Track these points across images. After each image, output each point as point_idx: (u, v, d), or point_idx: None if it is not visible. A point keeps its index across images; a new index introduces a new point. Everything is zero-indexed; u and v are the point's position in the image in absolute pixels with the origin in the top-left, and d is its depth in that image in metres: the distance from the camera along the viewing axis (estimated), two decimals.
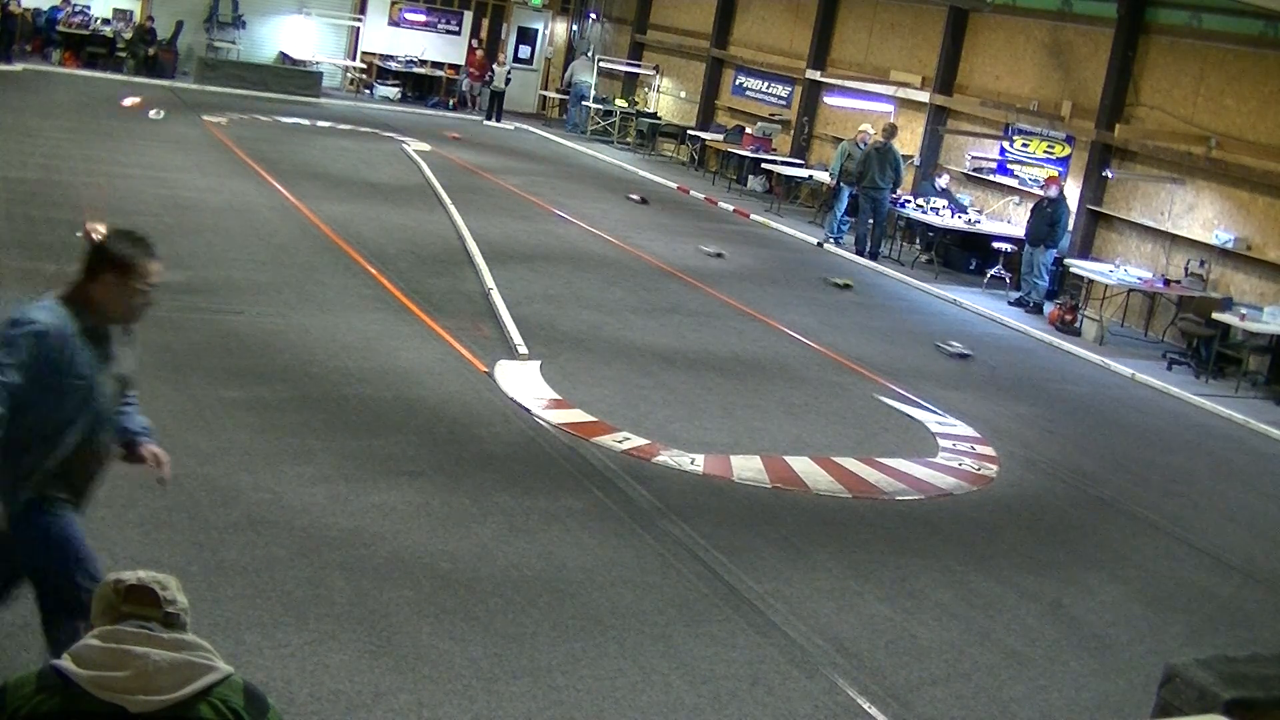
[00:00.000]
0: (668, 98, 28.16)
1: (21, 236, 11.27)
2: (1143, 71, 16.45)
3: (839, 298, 15.07)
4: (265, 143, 19.35)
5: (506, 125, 27.29)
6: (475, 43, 29.03)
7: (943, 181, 18.85)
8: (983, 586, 7.21)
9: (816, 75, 22.65)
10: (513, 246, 14.56)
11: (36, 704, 2.43)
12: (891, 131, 18.48)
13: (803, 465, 8.68)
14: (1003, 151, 18.64)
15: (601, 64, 28.46)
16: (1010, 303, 16.18)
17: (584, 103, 28.07)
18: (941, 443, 9.79)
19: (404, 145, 21.37)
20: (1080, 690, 6.15)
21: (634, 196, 19.59)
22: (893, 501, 8.36)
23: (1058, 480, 9.47)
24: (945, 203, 18.43)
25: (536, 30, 31.26)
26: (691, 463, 8.36)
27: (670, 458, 8.38)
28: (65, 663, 2.46)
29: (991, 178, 18.78)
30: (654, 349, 11.17)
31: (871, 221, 18.18)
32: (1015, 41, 18.81)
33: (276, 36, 28.06)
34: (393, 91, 28.61)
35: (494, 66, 28.03)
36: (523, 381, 9.50)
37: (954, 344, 12.99)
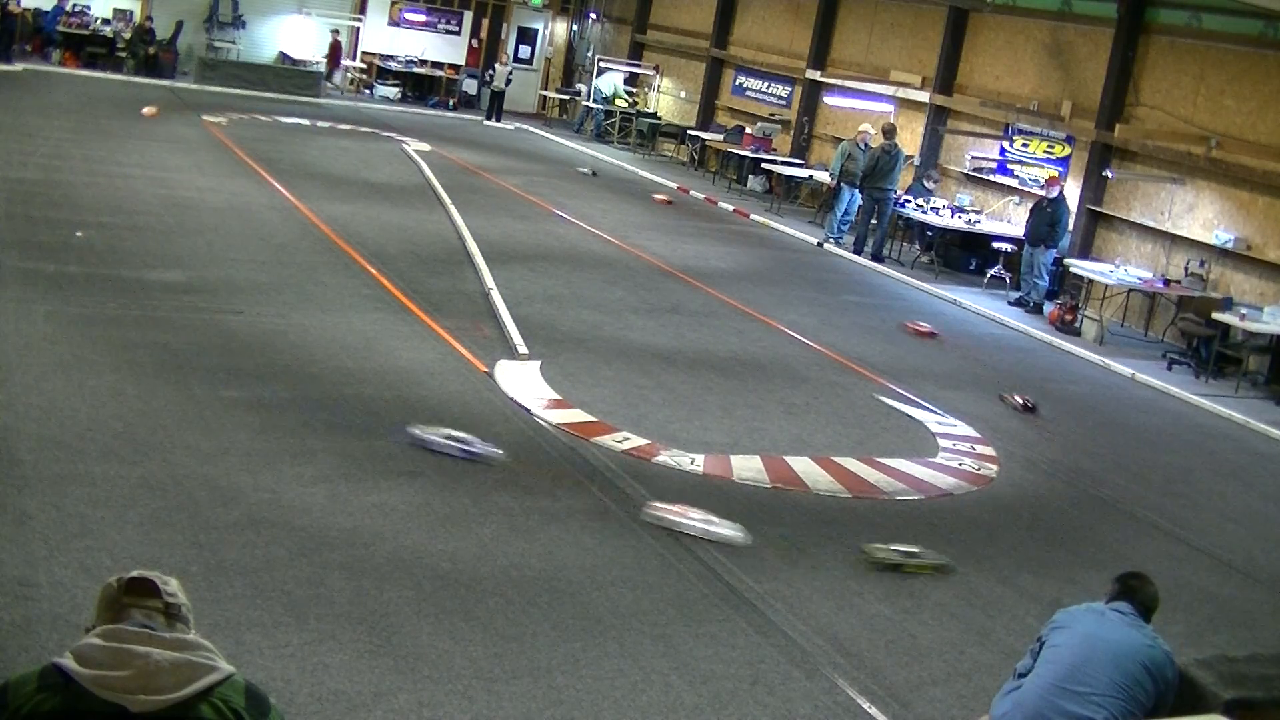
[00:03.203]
0: (668, 98, 28.16)
1: (21, 236, 11.27)
2: (1143, 71, 16.45)
3: (839, 298, 15.08)
4: (265, 143, 19.35)
5: (506, 125, 27.29)
6: (334, 31, 28.14)
7: (933, 184, 18.94)
8: (983, 586, 7.21)
9: (816, 75, 22.65)
10: (513, 246, 14.56)
11: (38, 703, 2.43)
12: (892, 131, 18.48)
13: (803, 465, 8.68)
14: (1003, 151, 18.65)
15: (601, 64, 28.45)
16: (1010, 303, 16.18)
17: (595, 106, 27.98)
18: (941, 443, 9.79)
19: (404, 145, 21.37)
20: None
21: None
22: (893, 501, 8.36)
23: (1058, 480, 9.47)
24: (944, 203, 18.46)
25: (536, 30, 31.27)
26: (691, 463, 8.36)
27: (670, 458, 8.38)
28: (67, 661, 2.46)
29: (991, 178, 18.78)
30: (654, 349, 11.17)
31: (874, 222, 18.19)
32: (1015, 41, 18.81)
33: (276, 36, 28.06)
34: (393, 91, 28.62)
35: (495, 65, 28.06)
36: (523, 381, 9.50)
37: (1018, 397, 11.37)
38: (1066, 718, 4.48)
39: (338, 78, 28.15)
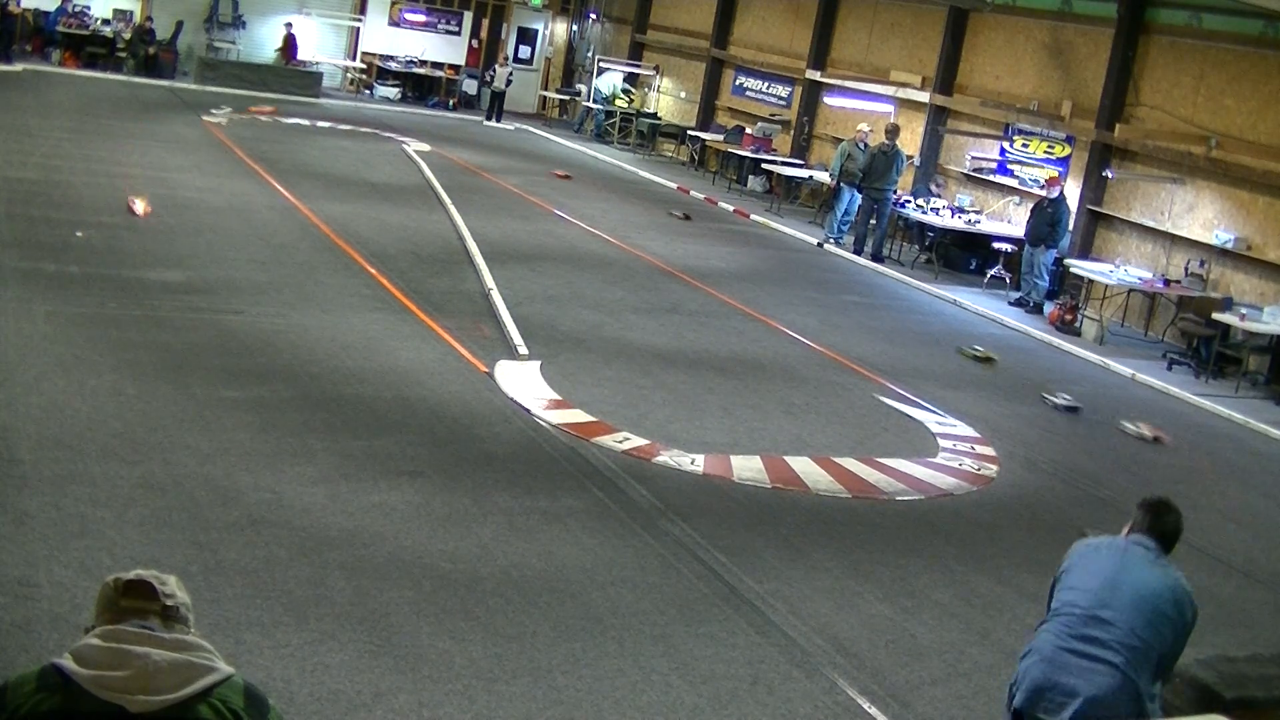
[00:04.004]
0: (668, 98, 28.16)
1: (21, 236, 11.27)
2: (1143, 71, 16.45)
3: (839, 298, 15.07)
4: (265, 143, 19.35)
5: (507, 125, 27.29)
6: (287, 24, 27.12)
7: (937, 188, 18.96)
8: (983, 586, 7.21)
9: (816, 75, 22.64)
10: (513, 246, 14.55)
11: (37, 703, 2.42)
12: (895, 132, 18.48)
13: (803, 465, 8.68)
14: (1003, 151, 18.64)
15: (601, 64, 28.46)
16: (1010, 303, 16.18)
17: (595, 106, 27.99)
18: (941, 443, 9.79)
19: (404, 145, 21.37)
20: None
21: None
22: (893, 501, 8.36)
23: (1058, 480, 9.47)
24: (944, 203, 18.46)
25: (536, 30, 31.27)
26: (691, 463, 8.36)
27: (670, 458, 8.38)
28: (66, 661, 2.46)
29: (991, 178, 18.78)
30: (654, 349, 11.17)
31: (874, 222, 18.18)
32: (1015, 41, 18.81)
33: (276, 36, 28.04)
34: (393, 92, 28.61)
35: (495, 66, 28.05)
36: (523, 381, 9.50)
37: (1062, 396, 11.59)
38: (1084, 660, 4.40)
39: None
